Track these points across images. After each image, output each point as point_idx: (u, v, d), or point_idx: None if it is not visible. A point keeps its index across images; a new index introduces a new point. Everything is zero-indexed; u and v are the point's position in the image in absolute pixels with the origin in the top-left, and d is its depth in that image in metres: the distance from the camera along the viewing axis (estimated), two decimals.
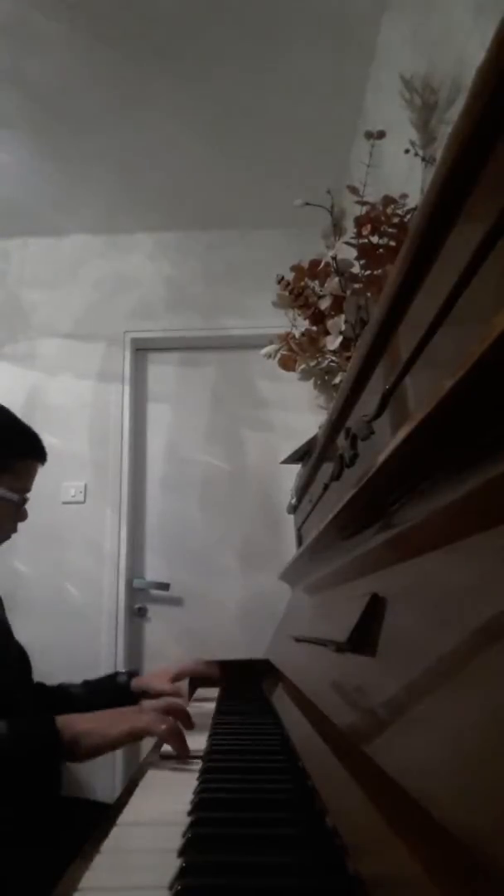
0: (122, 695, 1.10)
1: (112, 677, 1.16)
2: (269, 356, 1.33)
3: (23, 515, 1.03)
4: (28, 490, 1.02)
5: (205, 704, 1.17)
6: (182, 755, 0.70)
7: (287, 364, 1.30)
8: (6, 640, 1.02)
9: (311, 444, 1.33)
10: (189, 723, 0.81)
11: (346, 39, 1.76)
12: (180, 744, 0.71)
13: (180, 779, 0.65)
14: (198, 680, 1.40)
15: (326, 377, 1.24)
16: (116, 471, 2.37)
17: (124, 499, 2.34)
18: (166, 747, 0.73)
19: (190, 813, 0.50)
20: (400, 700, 0.38)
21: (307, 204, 1.22)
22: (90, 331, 2.54)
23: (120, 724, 0.71)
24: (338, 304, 1.17)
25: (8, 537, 1.04)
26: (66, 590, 2.26)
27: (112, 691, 1.11)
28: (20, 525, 1.03)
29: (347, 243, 1.17)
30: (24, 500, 1.01)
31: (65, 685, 1.12)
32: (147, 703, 0.84)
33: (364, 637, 0.51)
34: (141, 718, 0.72)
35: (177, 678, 1.17)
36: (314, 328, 1.24)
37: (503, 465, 0.33)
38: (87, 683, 1.14)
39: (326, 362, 1.23)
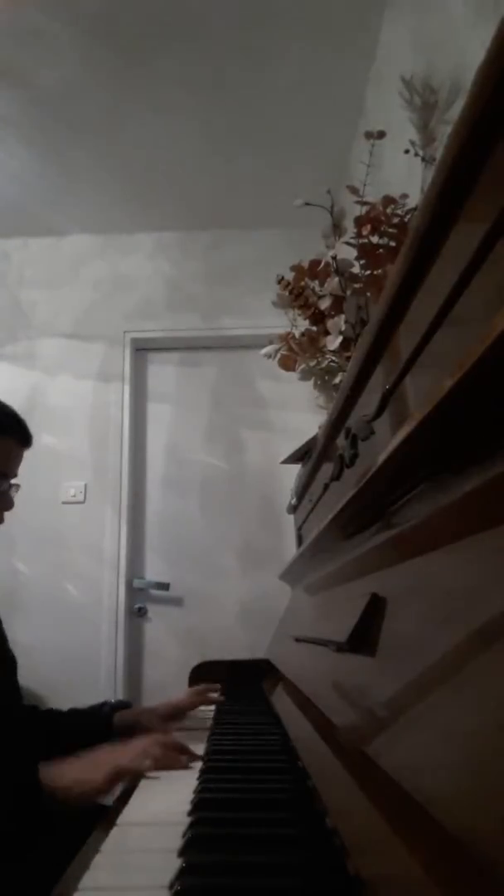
0: (102, 728, 1.02)
1: (98, 708, 1.07)
2: (269, 356, 1.33)
3: (7, 503, 0.95)
4: (6, 473, 0.94)
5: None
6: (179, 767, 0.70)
7: (287, 364, 1.30)
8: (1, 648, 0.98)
9: (311, 444, 1.33)
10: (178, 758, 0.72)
11: (346, 39, 1.76)
12: (175, 763, 0.70)
13: (180, 779, 0.65)
14: (197, 680, 1.40)
15: (326, 377, 1.24)
16: (116, 471, 2.37)
17: (124, 499, 2.34)
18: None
19: (190, 813, 0.50)
20: (400, 700, 0.38)
21: (307, 204, 1.22)
22: (90, 331, 2.54)
23: (103, 767, 0.68)
24: (338, 304, 1.17)
25: None
26: (66, 590, 2.26)
27: (94, 724, 1.03)
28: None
29: (347, 243, 1.17)
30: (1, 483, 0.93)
31: (54, 711, 1.06)
32: (125, 746, 0.76)
33: (364, 637, 0.51)
34: (124, 756, 0.69)
35: (171, 716, 1.06)
36: (314, 328, 1.24)
37: (503, 465, 0.33)
38: (71, 713, 1.06)
39: (326, 362, 1.23)
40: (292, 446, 1.49)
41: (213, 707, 1.12)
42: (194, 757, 0.73)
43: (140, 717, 1.04)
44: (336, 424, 0.87)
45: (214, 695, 1.17)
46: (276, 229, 2.50)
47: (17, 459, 0.97)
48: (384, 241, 1.13)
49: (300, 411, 2.25)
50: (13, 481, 0.97)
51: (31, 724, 0.97)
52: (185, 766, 0.71)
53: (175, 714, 1.09)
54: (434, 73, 1.18)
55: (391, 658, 0.43)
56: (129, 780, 0.67)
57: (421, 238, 0.45)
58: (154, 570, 2.35)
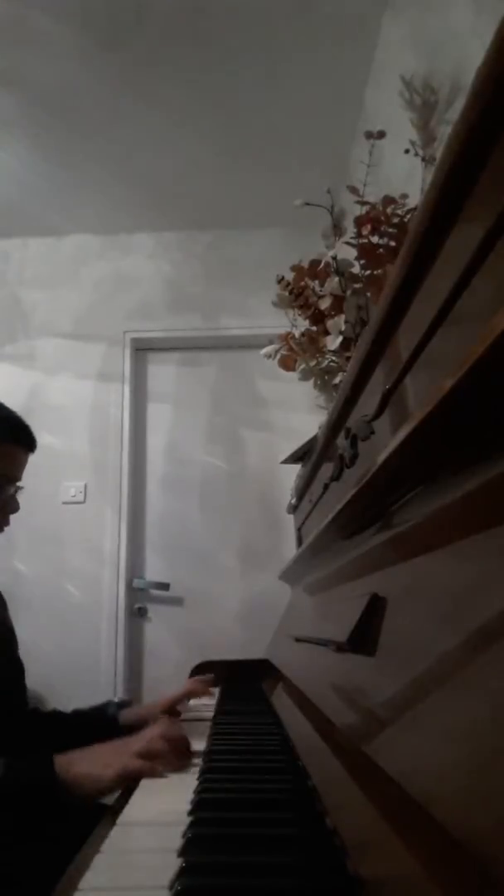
0: (109, 727, 1.01)
1: (103, 708, 1.08)
2: (269, 356, 1.33)
3: (13, 506, 0.97)
4: (12, 478, 0.96)
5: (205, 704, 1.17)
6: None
7: (287, 364, 1.30)
8: (9, 650, 0.99)
9: (311, 444, 1.33)
10: (178, 757, 0.73)
11: (346, 39, 1.76)
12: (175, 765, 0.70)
13: (180, 779, 0.65)
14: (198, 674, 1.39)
15: (326, 377, 1.24)
16: (116, 471, 2.37)
17: (124, 499, 2.34)
18: None
19: (190, 813, 0.50)
20: (400, 700, 0.38)
21: (307, 204, 1.22)
22: (90, 331, 2.54)
23: (112, 765, 0.68)
24: (338, 304, 1.17)
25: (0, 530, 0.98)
26: (66, 590, 2.26)
27: (100, 724, 1.03)
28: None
29: (347, 243, 1.17)
30: (5, 486, 0.95)
31: (57, 712, 1.07)
32: (133, 739, 0.76)
33: (364, 637, 0.51)
34: (129, 760, 0.69)
35: (170, 709, 1.07)
36: (314, 328, 1.23)
37: (503, 465, 0.33)
38: (77, 714, 1.07)
39: (326, 362, 1.23)
40: (292, 446, 1.49)
41: (212, 703, 1.12)
42: (191, 754, 0.74)
43: (146, 715, 1.04)
44: (336, 424, 0.86)
45: (205, 699, 1.15)
46: (276, 229, 2.50)
47: (23, 465, 0.99)
48: (384, 241, 1.13)
49: (300, 411, 2.25)
50: (17, 484, 0.98)
51: (35, 726, 0.97)
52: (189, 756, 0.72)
53: (173, 708, 1.09)
54: (434, 73, 1.18)
55: (391, 658, 0.43)
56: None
57: (421, 238, 0.45)
58: (154, 570, 2.35)
